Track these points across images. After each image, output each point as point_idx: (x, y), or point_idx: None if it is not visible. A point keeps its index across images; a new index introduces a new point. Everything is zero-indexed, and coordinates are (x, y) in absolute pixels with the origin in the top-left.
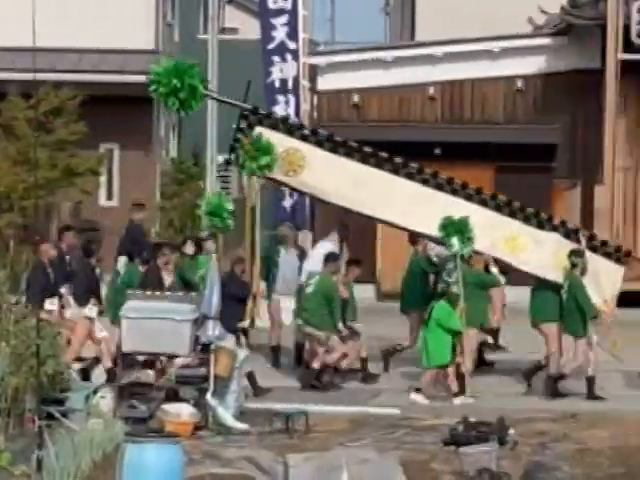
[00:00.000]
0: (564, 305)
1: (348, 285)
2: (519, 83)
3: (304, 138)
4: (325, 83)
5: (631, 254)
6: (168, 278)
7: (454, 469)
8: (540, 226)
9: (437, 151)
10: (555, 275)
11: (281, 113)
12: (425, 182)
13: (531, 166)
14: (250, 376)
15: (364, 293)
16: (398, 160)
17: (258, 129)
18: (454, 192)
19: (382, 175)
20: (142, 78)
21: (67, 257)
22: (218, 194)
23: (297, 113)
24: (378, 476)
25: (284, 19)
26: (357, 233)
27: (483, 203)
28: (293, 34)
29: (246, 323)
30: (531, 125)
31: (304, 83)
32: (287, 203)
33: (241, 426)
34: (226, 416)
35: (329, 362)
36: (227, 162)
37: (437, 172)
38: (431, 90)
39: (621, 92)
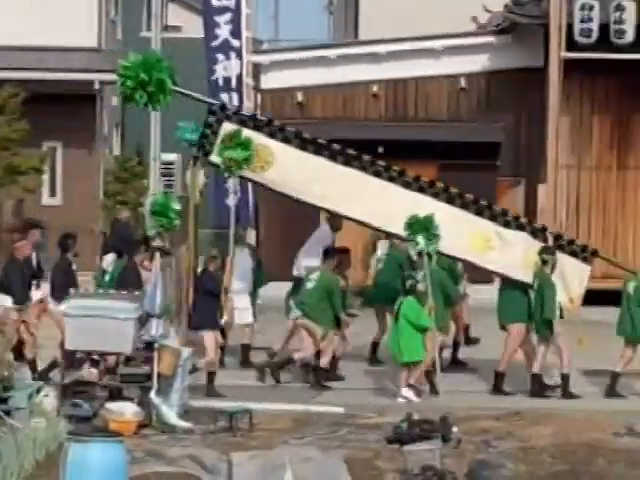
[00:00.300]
0: (533, 304)
1: (343, 275)
2: (462, 81)
3: (272, 135)
4: (269, 81)
5: (598, 253)
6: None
7: (398, 467)
8: (507, 225)
9: (380, 149)
10: (523, 275)
11: None
12: (392, 180)
13: (475, 164)
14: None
15: None
16: (366, 158)
17: (227, 125)
18: (421, 190)
19: (350, 172)
20: (85, 76)
21: (33, 254)
22: (165, 194)
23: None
24: (322, 474)
25: (227, 17)
26: (302, 232)
27: (450, 201)
28: (237, 32)
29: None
30: (474, 123)
31: (248, 81)
32: (231, 202)
33: (185, 424)
34: (170, 414)
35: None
36: (195, 158)
37: (404, 170)
38: (375, 88)
39: (564, 90)
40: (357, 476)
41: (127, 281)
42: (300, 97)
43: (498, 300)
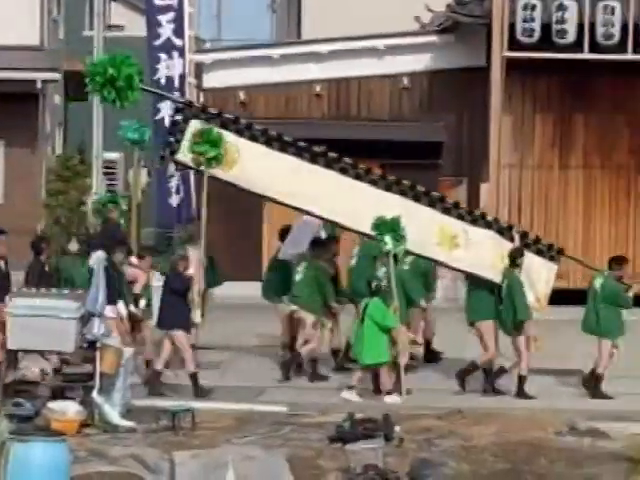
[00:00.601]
0: (503, 303)
1: (332, 263)
2: (405, 81)
3: (238, 132)
4: (211, 80)
5: (564, 252)
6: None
7: (340, 466)
8: (474, 223)
9: (323, 148)
10: (490, 273)
11: (167, 111)
12: (359, 177)
13: (417, 164)
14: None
15: (251, 291)
16: (332, 155)
17: (194, 122)
18: (388, 188)
19: (315, 170)
20: (27, 74)
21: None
22: (111, 193)
23: None
24: (264, 473)
25: (170, 16)
26: (243, 231)
27: (416, 199)
28: (179, 31)
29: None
30: (417, 123)
31: (190, 80)
32: (173, 200)
33: (127, 424)
34: (112, 414)
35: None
36: (161, 157)
37: (371, 168)
38: (317, 87)
39: (506, 90)
40: (299, 475)
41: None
42: (243, 96)
43: (466, 298)
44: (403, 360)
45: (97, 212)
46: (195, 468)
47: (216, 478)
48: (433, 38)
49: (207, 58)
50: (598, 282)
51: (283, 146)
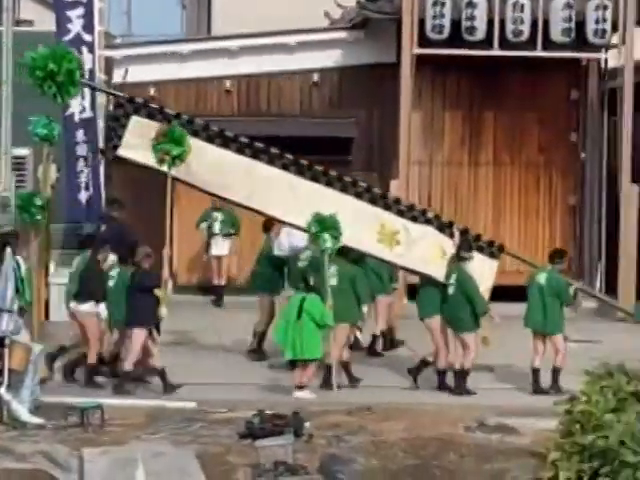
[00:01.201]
0: (450, 299)
1: None
2: (315, 77)
3: (181, 127)
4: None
5: (504, 249)
6: None
7: (250, 462)
8: (414, 219)
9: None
10: (432, 269)
11: (76, 106)
12: (301, 173)
13: (327, 159)
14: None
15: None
16: (274, 151)
17: (135, 118)
18: (329, 184)
19: (257, 165)
20: None
21: None
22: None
23: (93, 106)
24: (174, 469)
25: (80, 11)
26: (151, 229)
27: (358, 195)
28: (89, 26)
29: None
30: (327, 119)
31: (100, 76)
32: (82, 197)
33: (36, 420)
34: (21, 410)
35: None
36: (102, 152)
37: (312, 163)
38: (227, 84)
39: (416, 87)
40: (209, 471)
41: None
42: (152, 92)
43: (417, 295)
44: (345, 355)
45: (20, 209)
46: (104, 465)
47: (125, 475)
48: (343, 34)
49: (117, 54)
50: (542, 277)
51: (224, 141)
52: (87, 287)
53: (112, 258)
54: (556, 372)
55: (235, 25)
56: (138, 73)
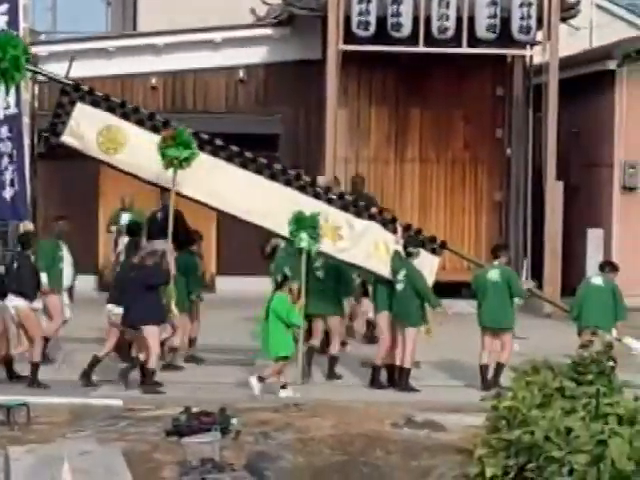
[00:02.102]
0: (398, 295)
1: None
2: (241, 73)
3: (125, 116)
4: None
5: (446, 245)
6: None
7: (177, 459)
8: (358, 215)
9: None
10: (375, 264)
11: (1, 102)
12: (244, 165)
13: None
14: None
15: (86, 284)
16: (219, 142)
17: (80, 105)
18: (272, 176)
19: (206, 158)
20: None
21: None
22: None
23: (18, 102)
24: (100, 467)
25: (4, 8)
26: (79, 226)
27: (301, 189)
28: (14, 23)
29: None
30: (253, 115)
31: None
32: (7, 194)
33: None
34: None
35: None
36: (46, 139)
37: (256, 156)
38: (153, 80)
39: (342, 83)
40: (136, 469)
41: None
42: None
43: (372, 290)
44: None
45: None
46: (30, 463)
47: (52, 473)
48: (269, 31)
49: (42, 50)
50: (494, 274)
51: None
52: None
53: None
54: (500, 368)
55: (161, 21)
56: (64, 70)
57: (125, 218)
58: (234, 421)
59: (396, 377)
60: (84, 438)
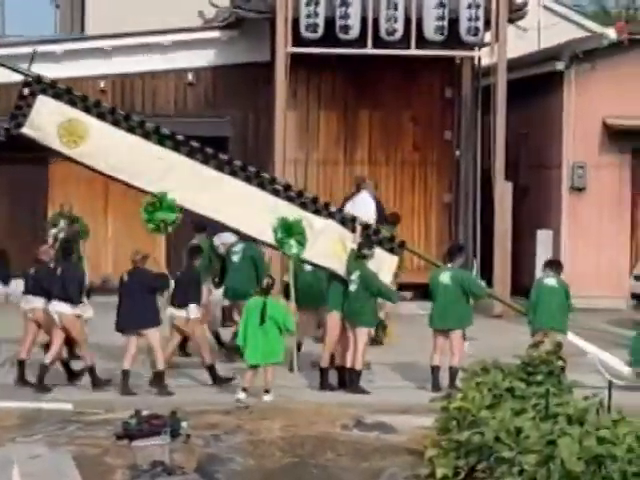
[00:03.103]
0: (351, 296)
1: None
2: (190, 76)
3: (87, 109)
4: None
5: (405, 245)
6: None
7: (127, 463)
8: (317, 213)
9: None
10: (333, 262)
11: None
12: (205, 162)
13: None
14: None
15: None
16: (180, 137)
17: (42, 97)
18: (233, 173)
19: (161, 151)
20: None
21: None
22: None
23: None
24: (50, 471)
25: None
26: (29, 226)
27: (261, 186)
28: None
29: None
30: (203, 118)
31: None
32: None
33: None
34: None
35: None
36: (6, 130)
37: (217, 152)
38: (102, 83)
39: (291, 86)
40: (86, 472)
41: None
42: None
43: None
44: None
45: None
46: None
47: (2, 477)
48: (217, 34)
49: None
50: (445, 276)
51: (130, 126)
52: None
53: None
54: (453, 372)
55: (109, 25)
56: (12, 73)
57: (63, 224)
58: (184, 424)
59: (347, 379)
60: (34, 442)
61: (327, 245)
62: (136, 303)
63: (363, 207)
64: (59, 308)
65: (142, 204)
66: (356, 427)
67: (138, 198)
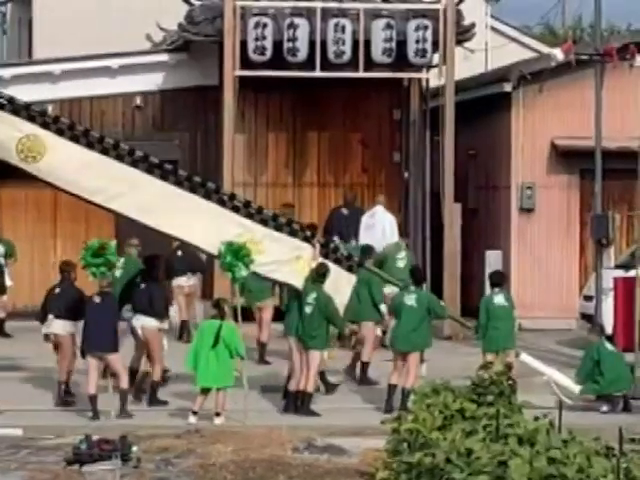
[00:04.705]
0: (306, 318)
1: None
2: (138, 100)
3: (45, 125)
4: None
5: (363, 264)
6: None
7: None
8: (278, 229)
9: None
10: (291, 278)
11: None
12: (164, 178)
13: None
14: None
15: None
16: (140, 154)
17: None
18: (193, 190)
19: (121, 167)
20: None
21: None
22: None
23: None
24: None
25: None
26: None
27: (221, 203)
28: None
29: None
30: (150, 141)
31: None
32: None
33: None
34: None
35: None
36: None
37: (176, 168)
38: (50, 107)
39: (239, 108)
40: None
41: None
42: None
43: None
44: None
45: None
46: None
47: None
48: (165, 57)
49: None
50: (411, 298)
51: (90, 142)
52: None
53: None
54: (406, 394)
55: (57, 50)
56: None
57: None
58: (135, 448)
59: (298, 402)
60: None
61: (290, 262)
62: (103, 325)
63: (387, 221)
64: (142, 322)
65: (85, 252)
66: (307, 450)
67: (87, 221)
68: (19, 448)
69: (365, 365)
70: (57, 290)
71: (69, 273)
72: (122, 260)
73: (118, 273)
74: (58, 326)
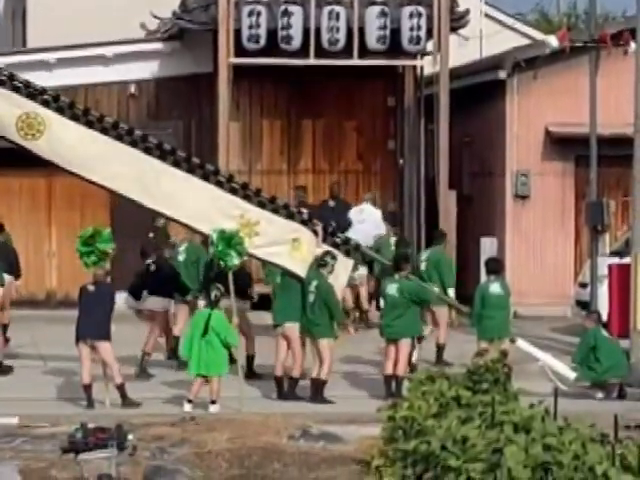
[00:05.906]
0: (309, 306)
1: None
2: (132, 88)
3: (45, 103)
4: None
5: (360, 247)
6: None
7: (74, 476)
8: (275, 212)
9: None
10: (288, 262)
11: None
12: (163, 158)
13: None
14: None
15: None
16: (138, 133)
17: (0, 90)
18: (190, 170)
19: (120, 147)
20: None
21: None
22: None
23: None
24: None
25: None
26: None
27: (219, 184)
28: None
29: None
30: (145, 130)
31: None
32: None
33: None
34: None
35: None
36: None
37: (174, 148)
38: None
39: (234, 97)
40: None
41: None
42: None
43: (274, 298)
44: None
45: None
46: None
47: None
48: (159, 45)
49: None
50: (392, 288)
51: (89, 121)
52: None
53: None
54: (399, 381)
55: (51, 38)
56: None
57: None
58: (130, 436)
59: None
60: None
61: (284, 245)
62: (94, 315)
63: (376, 216)
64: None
65: (78, 240)
66: (303, 437)
67: (82, 209)
68: (14, 436)
69: (441, 347)
70: (152, 267)
71: (162, 251)
72: (184, 246)
73: (181, 258)
74: (153, 302)
